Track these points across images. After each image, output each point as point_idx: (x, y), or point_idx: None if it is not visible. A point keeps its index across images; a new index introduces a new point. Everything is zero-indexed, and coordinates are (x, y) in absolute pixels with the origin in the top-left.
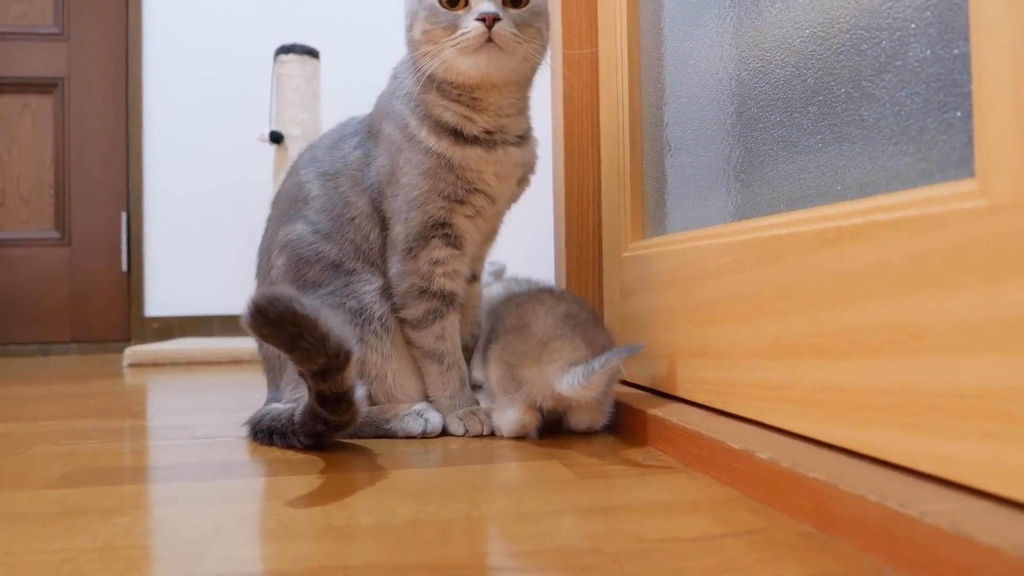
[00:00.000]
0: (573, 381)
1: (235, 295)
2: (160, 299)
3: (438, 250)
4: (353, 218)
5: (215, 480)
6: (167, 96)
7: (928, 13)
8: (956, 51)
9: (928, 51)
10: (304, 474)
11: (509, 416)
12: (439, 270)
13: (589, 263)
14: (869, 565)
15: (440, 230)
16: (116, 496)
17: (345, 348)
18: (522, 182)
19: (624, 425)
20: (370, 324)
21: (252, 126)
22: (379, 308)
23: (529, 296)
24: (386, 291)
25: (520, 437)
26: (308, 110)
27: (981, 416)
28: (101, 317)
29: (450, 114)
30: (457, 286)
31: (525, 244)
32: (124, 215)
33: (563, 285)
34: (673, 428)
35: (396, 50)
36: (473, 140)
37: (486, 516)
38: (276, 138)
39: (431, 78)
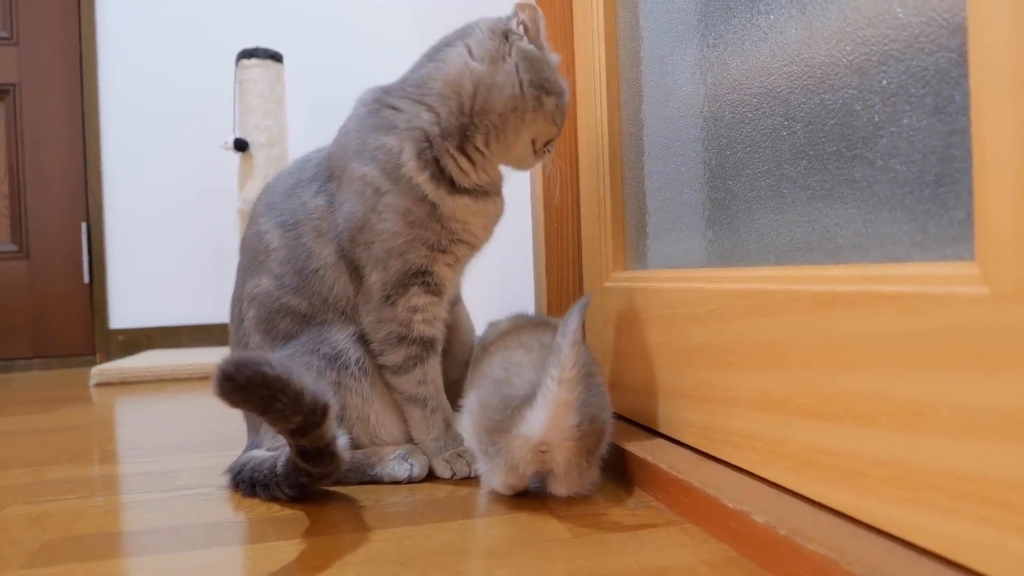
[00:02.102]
0: (543, 406)
1: (203, 304)
2: (125, 311)
3: (417, 297)
4: (317, 270)
5: (200, 550)
6: (125, 103)
7: (923, 83)
8: (953, 125)
9: (923, 121)
10: (291, 538)
11: (496, 482)
12: (418, 316)
13: (569, 291)
14: None
15: (420, 278)
16: None
17: (321, 403)
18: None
19: (612, 464)
20: (347, 368)
21: (216, 133)
22: (355, 352)
23: (509, 337)
24: (361, 336)
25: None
26: (273, 116)
27: (980, 501)
28: (64, 331)
29: (454, 165)
30: (437, 331)
31: (504, 271)
32: (84, 225)
33: (543, 313)
34: (664, 475)
35: (362, 54)
36: (463, 191)
37: None
38: (240, 145)
39: (468, 130)
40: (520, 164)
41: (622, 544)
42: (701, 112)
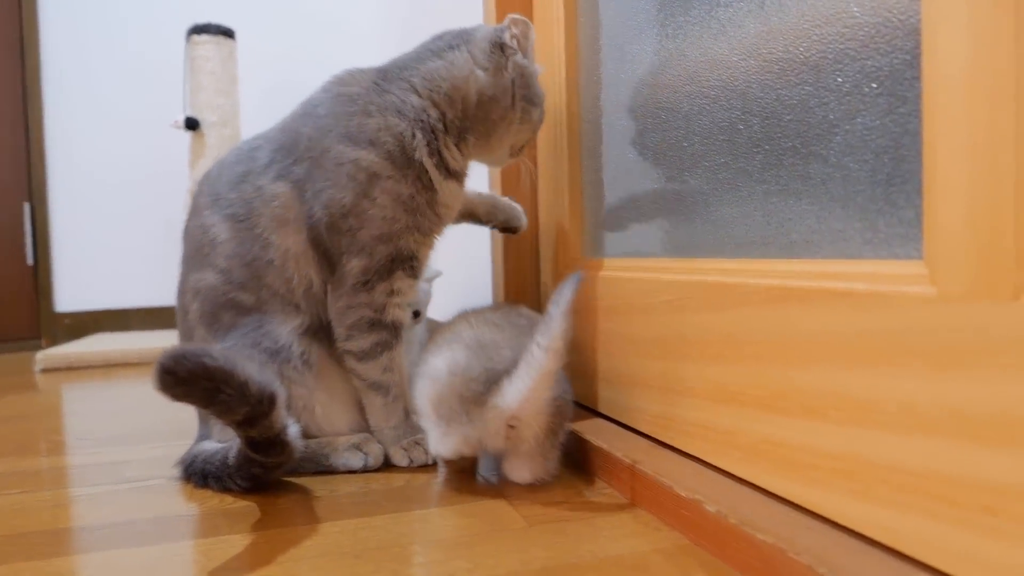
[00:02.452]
0: (525, 375)
1: (153, 287)
2: (71, 294)
3: (400, 281)
4: (271, 260)
5: (151, 545)
6: (69, 80)
7: (877, 83)
8: (906, 127)
9: (877, 121)
10: (244, 531)
11: (447, 447)
12: (394, 300)
13: (527, 279)
14: None
15: (406, 263)
16: (49, 575)
17: (268, 392)
18: None
19: (568, 451)
20: (289, 362)
21: (166, 111)
22: (298, 346)
23: (474, 315)
24: (307, 329)
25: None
26: (225, 95)
27: (925, 495)
28: (7, 315)
29: (449, 155)
30: (405, 316)
31: (461, 259)
32: (27, 206)
33: (501, 299)
34: (618, 463)
35: (317, 32)
36: (454, 175)
37: None
38: (191, 124)
39: (464, 131)
40: (495, 163)
41: (577, 533)
42: (659, 103)
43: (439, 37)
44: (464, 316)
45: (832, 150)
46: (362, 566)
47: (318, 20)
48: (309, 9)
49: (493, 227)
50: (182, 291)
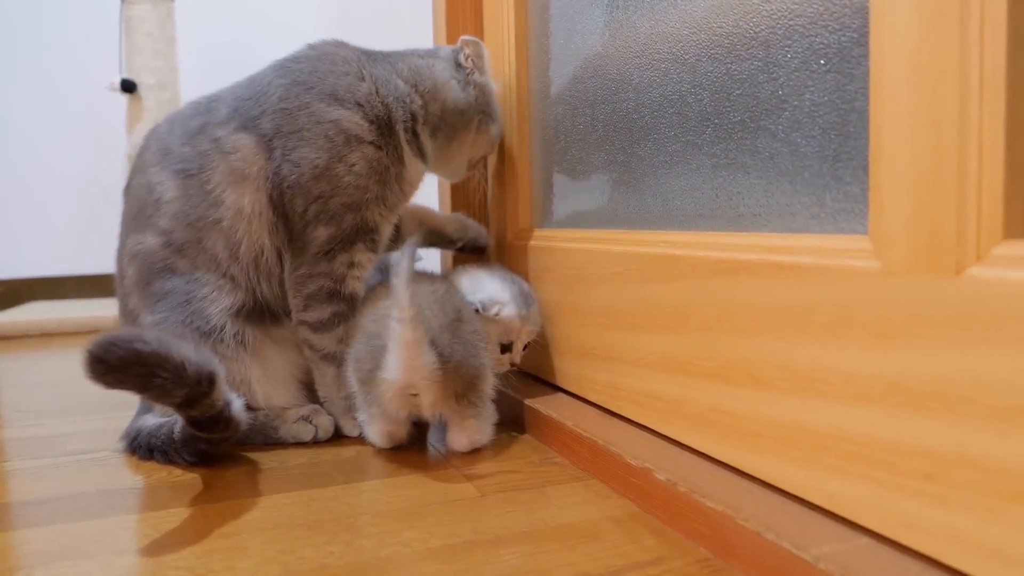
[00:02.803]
0: (393, 348)
1: (90, 253)
2: (4, 261)
3: (360, 253)
4: (220, 220)
5: (98, 519)
6: (2, 41)
7: (825, 60)
8: (853, 104)
9: (825, 98)
10: (194, 504)
11: (374, 432)
12: (354, 272)
13: None
14: None
15: (369, 235)
16: None
17: (207, 372)
18: None
19: (516, 420)
20: (223, 342)
21: (101, 73)
22: (232, 326)
23: (380, 289)
24: (241, 310)
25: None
26: (163, 57)
27: (867, 463)
28: None
29: (423, 136)
30: (361, 287)
31: None
32: None
33: (449, 269)
34: (569, 433)
35: None
36: (422, 157)
37: (394, 556)
38: (128, 87)
39: (437, 131)
40: (453, 175)
41: (528, 502)
42: (609, 74)
43: (413, 49)
44: (376, 288)
45: (781, 125)
46: (315, 537)
47: None
48: None
49: (462, 246)
50: (120, 255)
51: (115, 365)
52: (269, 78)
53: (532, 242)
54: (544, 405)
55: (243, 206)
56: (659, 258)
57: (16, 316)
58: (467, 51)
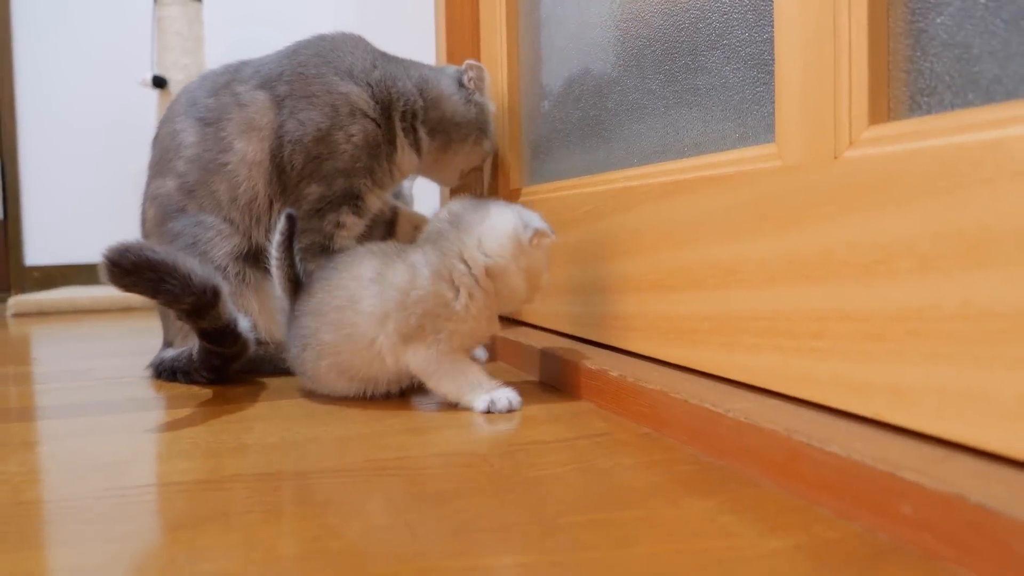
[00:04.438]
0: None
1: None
2: (41, 247)
3: (345, 216)
4: (226, 164)
5: (127, 414)
6: (40, 37)
7: (746, 0)
8: (766, 35)
9: (746, 33)
10: (210, 406)
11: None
12: (342, 232)
13: None
14: (688, 453)
15: (354, 201)
16: (35, 431)
17: (211, 285)
18: None
19: (497, 356)
20: (227, 280)
21: (135, 69)
22: (234, 267)
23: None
24: (240, 254)
25: None
26: (191, 55)
27: (774, 335)
28: None
29: (420, 132)
30: (351, 246)
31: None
32: None
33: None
34: (540, 354)
35: None
36: (416, 149)
37: (378, 432)
38: (159, 82)
39: (433, 134)
40: (445, 181)
41: None
42: (585, 39)
43: (424, 63)
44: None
45: (714, 62)
46: (309, 422)
47: None
48: None
49: None
50: (143, 199)
51: (128, 268)
52: (295, 48)
53: (522, 199)
54: (515, 335)
55: (248, 152)
56: (619, 191)
57: (51, 295)
58: (471, 74)
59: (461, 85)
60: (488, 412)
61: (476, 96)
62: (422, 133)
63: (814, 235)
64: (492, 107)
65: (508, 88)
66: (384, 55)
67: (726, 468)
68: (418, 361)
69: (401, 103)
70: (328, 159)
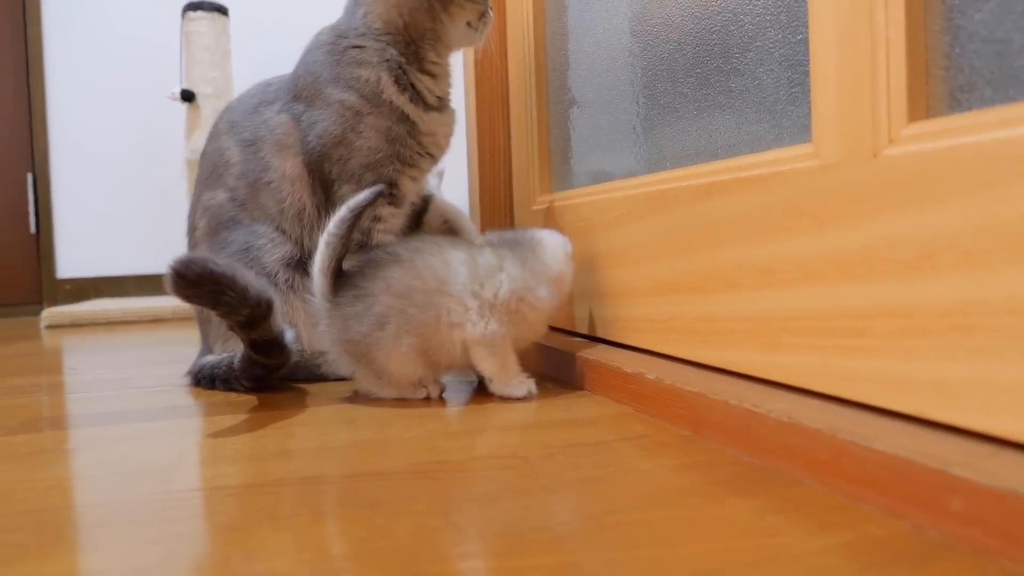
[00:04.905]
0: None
1: (149, 254)
2: (72, 260)
3: (382, 208)
4: (270, 182)
5: (168, 420)
6: (70, 54)
7: (779, 2)
8: (800, 36)
9: (780, 35)
10: (251, 412)
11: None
12: (379, 226)
13: (502, 215)
14: (730, 454)
15: (388, 190)
16: (78, 438)
17: (266, 297)
18: None
19: (528, 361)
20: (276, 286)
21: (163, 84)
22: (284, 274)
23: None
24: (290, 261)
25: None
26: (219, 68)
27: (813, 334)
28: (10, 281)
29: (421, 85)
30: (391, 240)
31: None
32: (30, 176)
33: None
34: (575, 359)
35: (305, 8)
36: (432, 107)
37: (417, 437)
38: (187, 96)
39: (420, 51)
40: (468, 44)
41: (538, 407)
42: (614, 45)
43: None
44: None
45: (747, 64)
46: (350, 427)
47: None
48: None
49: None
50: (193, 210)
51: (193, 280)
52: (298, 69)
53: (549, 205)
54: (550, 341)
55: (286, 170)
56: (652, 195)
57: (84, 307)
58: None
59: None
60: (524, 398)
61: None
62: (424, 80)
63: (854, 233)
64: None
65: (537, 95)
66: (341, 35)
67: (769, 468)
68: (487, 334)
69: (384, 80)
70: (351, 159)
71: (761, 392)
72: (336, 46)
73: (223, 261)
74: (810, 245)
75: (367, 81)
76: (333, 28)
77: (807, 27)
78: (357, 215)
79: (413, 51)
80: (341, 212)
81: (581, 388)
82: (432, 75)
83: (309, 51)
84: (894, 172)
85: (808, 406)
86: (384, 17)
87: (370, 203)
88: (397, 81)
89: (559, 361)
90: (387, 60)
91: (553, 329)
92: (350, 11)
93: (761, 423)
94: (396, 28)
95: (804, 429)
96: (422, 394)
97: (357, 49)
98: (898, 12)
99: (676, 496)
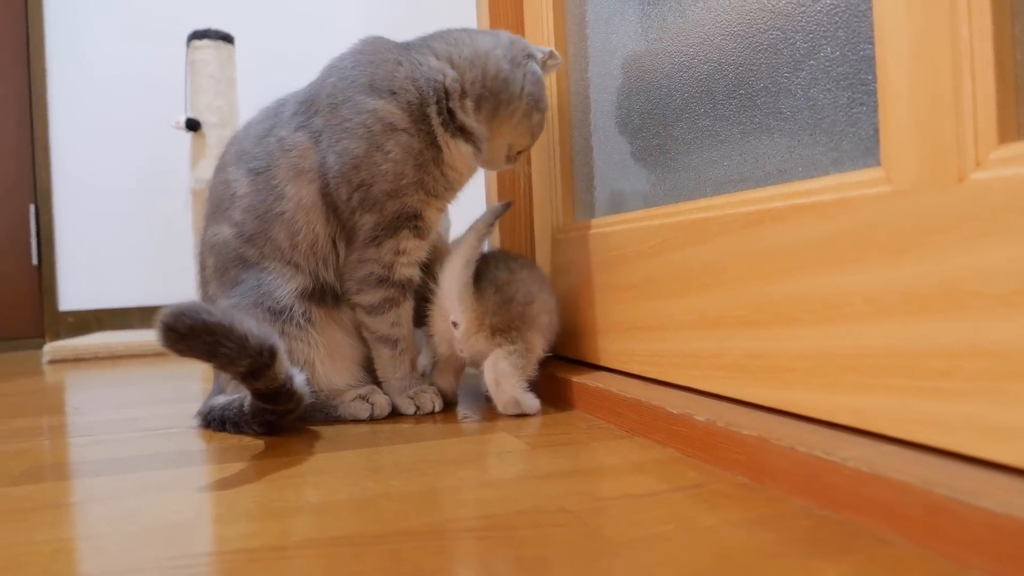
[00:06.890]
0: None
1: (153, 286)
2: (74, 293)
3: (406, 240)
4: (283, 213)
5: (179, 468)
6: (73, 85)
7: (836, 18)
8: (862, 53)
9: (838, 52)
10: (267, 459)
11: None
12: (402, 259)
13: (522, 244)
14: (799, 506)
15: (412, 222)
16: (85, 489)
17: (268, 345)
18: None
19: (562, 397)
20: (292, 320)
21: (167, 113)
22: (299, 306)
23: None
24: (305, 292)
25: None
26: (224, 96)
27: (888, 374)
28: (12, 313)
29: (464, 115)
30: (414, 273)
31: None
32: (32, 207)
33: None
34: (613, 397)
35: (311, 37)
36: (468, 138)
37: (451, 487)
38: (192, 125)
39: (480, 100)
40: (490, 165)
41: (576, 453)
42: (642, 66)
43: (461, 27)
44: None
45: (800, 84)
46: (377, 476)
47: (310, 25)
48: (302, 15)
49: None
50: (201, 247)
51: (184, 333)
52: (322, 78)
53: (575, 233)
54: (588, 379)
55: (302, 197)
56: (692, 223)
57: (86, 341)
58: (545, 55)
59: (518, 47)
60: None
61: (533, 65)
62: (467, 111)
63: (934, 265)
64: (542, 75)
65: (559, 120)
66: (407, 45)
67: (848, 523)
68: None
69: (432, 92)
70: (372, 184)
71: (827, 437)
72: (390, 50)
73: (219, 309)
74: (881, 278)
75: (419, 87)
76: (396, 42)
77: (872, 42)
78: (491, 226)
79: (477, 91)
80: (487, 215)
81: (619, 428)
82: (477, 119)
83: (342, 56)
84: (983, 198)
85: (885, 453)
86: (482, 52)
87: (493, 221)
88: (438, 102)
89: (597, 400)
90: (437, 81)
91: (578, 363)
92: (439, 35)
93: (835, 472)
94: (483, 66)
95: (888, 481)
96: None
97: (417, 56)
98: (983, 23)
99: (751, 558)
